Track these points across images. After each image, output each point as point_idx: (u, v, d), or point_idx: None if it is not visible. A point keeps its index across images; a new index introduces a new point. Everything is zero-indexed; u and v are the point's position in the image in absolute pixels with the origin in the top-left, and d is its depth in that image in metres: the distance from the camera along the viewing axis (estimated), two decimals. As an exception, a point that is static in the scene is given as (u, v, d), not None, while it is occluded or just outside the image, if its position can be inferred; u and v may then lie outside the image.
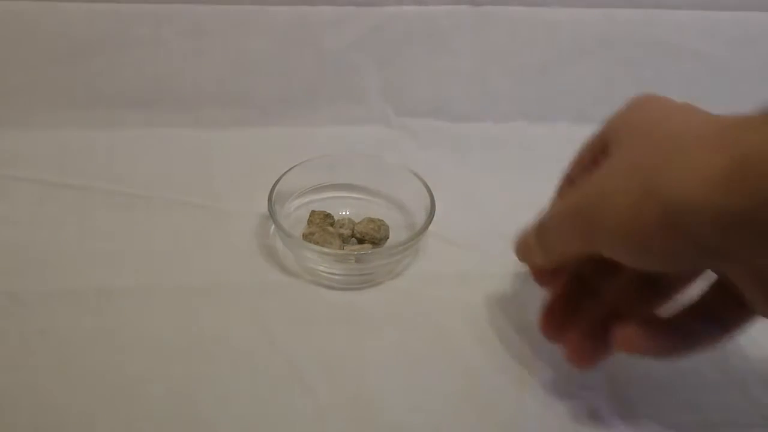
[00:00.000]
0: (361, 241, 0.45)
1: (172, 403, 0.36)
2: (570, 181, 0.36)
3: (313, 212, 0.46)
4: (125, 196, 0.48)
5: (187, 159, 0.52)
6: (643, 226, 0.27)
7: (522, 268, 0.44)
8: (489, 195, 0.51)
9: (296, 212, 0.47)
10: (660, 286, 0.34)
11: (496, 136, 0.56)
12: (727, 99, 0.56)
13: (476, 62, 0.56)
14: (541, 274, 0.37)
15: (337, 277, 0.43)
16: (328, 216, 0.46)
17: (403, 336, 0.40)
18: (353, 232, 0.45)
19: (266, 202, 0.43)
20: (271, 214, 0.43)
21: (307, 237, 0.44)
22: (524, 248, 0.36)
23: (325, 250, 0.42)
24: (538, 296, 0.43)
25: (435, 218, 0.43)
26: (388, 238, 0.45)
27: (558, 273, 0.36)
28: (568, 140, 0.56)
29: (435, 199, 0.44)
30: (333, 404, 0.36)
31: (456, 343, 0.40)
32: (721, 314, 0.32)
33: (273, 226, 0.44)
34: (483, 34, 0.55)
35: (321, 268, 0.42)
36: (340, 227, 0.46)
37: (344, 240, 0.45)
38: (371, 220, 0.45)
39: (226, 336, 0.39)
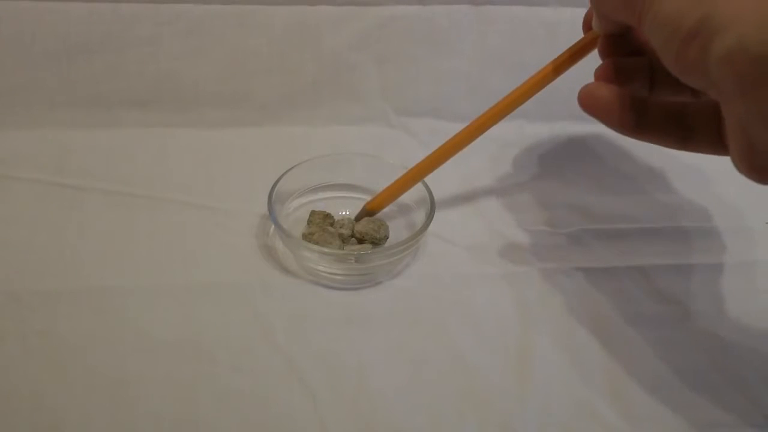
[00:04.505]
0: (361, 241, 0.45)
1: (172, 403, 0.36)
2: None
3: (313, 212, 0.46)
4: (125, 196, 0.48)
5: (187, 159, 0.52)
6: (682, 29, 0.28)
7: (520, 267, 0.45)
8: (489, 195, 0.51)
9: (296, 212, 0.47)
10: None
11: (496, 136, 0.56)
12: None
13: (476, 62, 0.56)
14: (602, 48, 0.38)
15: (337, 277, 0.43)
16: (328, 216, 0.46)
17: (403, 336, 0.40)
18: (353, 232, 0.45)
19: (266, 202, 0.43)
20: (271, 214, 0.43)
21: (307, 237, 0.44)
22: (589, 14, 0.38)
23: (325, 250, 0.42)
24: (538, 295, 0.43)
25: (435, 218, 0.43)
26: (387, 237, 0.45)
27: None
28: (568, 140, 0.56)
29: (435, 199, 0.44)
30: (333, 404, 0.36)
31: (456, 343, 0.40)
32: (691, 126, 0.34)
33: (273, 226, 0.44)
34: (483, 34, 0.55)
35: (321, 268, 0.42)
36: (340, 227, 0.45)
37: (344, 240, 0.45)
38: (371, 220, 0.45)
39: (226, 336, 0.39)
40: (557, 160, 0.54)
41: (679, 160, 0.55)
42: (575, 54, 0.40)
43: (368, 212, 0.46)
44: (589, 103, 0.36)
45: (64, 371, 0.37)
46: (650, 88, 0.36)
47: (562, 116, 0.57)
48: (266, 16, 0.53)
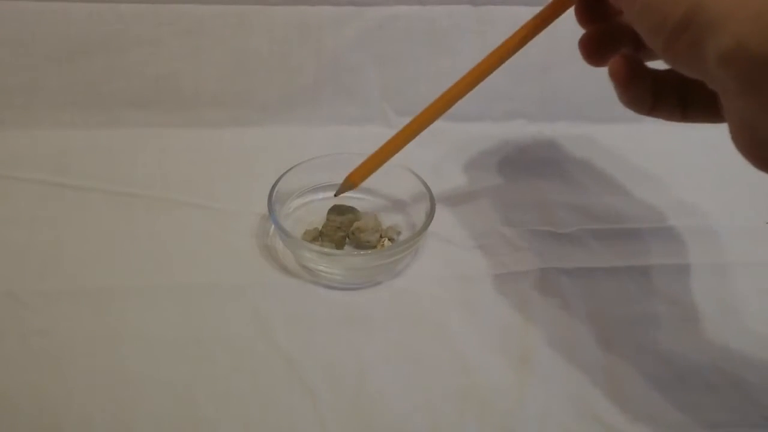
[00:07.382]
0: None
1: (172, 403, 0.36)
2: None
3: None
4: (125, 196, 0.48)
5: (187, 159, 0.52)
6: (668, 21, 0.27)
7: (520, 267, 0.45)
8: (489, 195, 0.50)
9: (296, 212, 0.47)
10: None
11: (496, 136, 0.56)
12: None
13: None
14: (579, 11, 0.38)
15: (337, 277, 0.43)
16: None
17: (403, 336, 0.40)
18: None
19: (266, 202, 0.43)
20: (271, 214, 0.43)
21: (306, 237, 0.44)
22: None
23: (325, 250, 0.42)
24: (538, 295, 0.43)
25: (435, 218, 0.43)
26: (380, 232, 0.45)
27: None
28: (568, 140, 0.56)
29: (435, 199, 0.44)
30: (333, 404, 0.36)
31: (456, 343, 0.40)
32: (687, 94, 0.33)
33: (273, 226, 0.44)
34: (483, 34, 0.55)
35: (321, 268, 0.42)
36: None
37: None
38: (367, 229, 0.45)
39: (226, 336, 0.39)
40: (557, 160, 0.54)
41: (680, 159, 0.55)
42: (552, 13, 0.39)
43: (350, 185, 0.44)
44: (615, 78, 0.35)
45: (64, 371, 0.37)
46: (636, 50, 0.35)
47: (562, 116, 0.57)
48: (266, 16, 0.53)
